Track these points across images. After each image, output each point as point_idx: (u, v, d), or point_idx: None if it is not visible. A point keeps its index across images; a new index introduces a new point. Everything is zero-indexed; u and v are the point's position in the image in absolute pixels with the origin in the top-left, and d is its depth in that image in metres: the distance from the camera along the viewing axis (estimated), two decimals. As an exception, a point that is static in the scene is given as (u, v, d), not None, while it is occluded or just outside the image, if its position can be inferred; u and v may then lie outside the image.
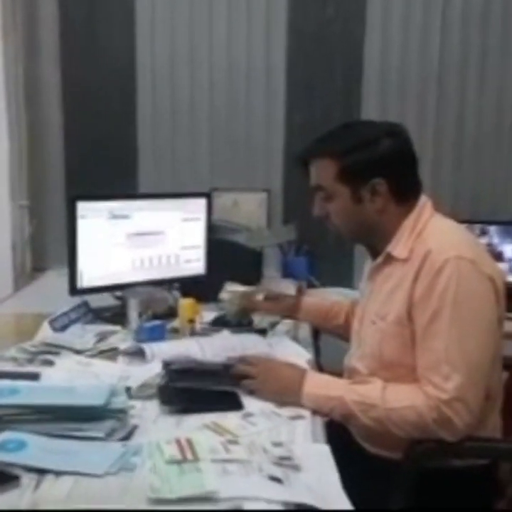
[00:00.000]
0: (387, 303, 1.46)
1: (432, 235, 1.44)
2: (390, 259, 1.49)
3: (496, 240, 2.64)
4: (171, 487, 1.05)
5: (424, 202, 1.51)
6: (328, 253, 2.91)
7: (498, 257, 2.60)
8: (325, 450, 1.26)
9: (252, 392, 1.48)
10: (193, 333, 1.93)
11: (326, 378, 1.49)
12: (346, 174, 1.46)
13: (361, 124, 1.62)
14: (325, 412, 1.42)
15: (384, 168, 1.45)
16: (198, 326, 1.96)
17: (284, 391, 1.46)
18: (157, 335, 1.83)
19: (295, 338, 1.91)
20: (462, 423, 1.31)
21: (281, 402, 1.44)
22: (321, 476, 1.16)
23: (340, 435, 1.48)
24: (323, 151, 1.50)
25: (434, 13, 2.81)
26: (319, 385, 1.46)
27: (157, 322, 1.86)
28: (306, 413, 1.42)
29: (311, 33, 2.86)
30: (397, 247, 1.47)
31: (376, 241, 1.53)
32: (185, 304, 1.95)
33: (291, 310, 1.92)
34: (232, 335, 1.86)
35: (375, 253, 1.55)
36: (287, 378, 1.48)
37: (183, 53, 2.88)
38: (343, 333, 1.80)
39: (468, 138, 2.89)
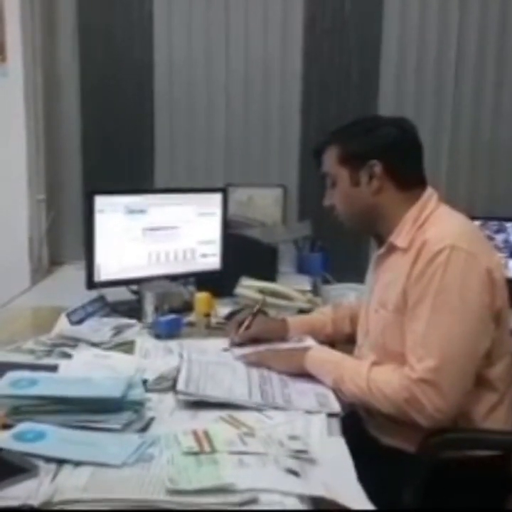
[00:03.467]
0: (387, 292, 1.50)
1: (432, 225, 1.46)
2: (393, 248, 1.52)
3: (513, 237, 2.61)
4: (188, 478, 1.06)
5: (430, 193, 1.53)
6: (343, 249, 2.90)
7: (516, 253, 2.58)
8: (341, 443, 1.27)
9: (259, 363, 1.60)
10: (208, 327, 1.94)
11: (330, 349, 1.64)
12: (345, 157, 1.54)
13: (367, 117, 1.73)
14: (321, 375, 1.52)
15: (381, 152, 1.51)
16: (213, 321, 1.97)
17: (289, 356, 1.61)
18: (173, 329, 1.84)
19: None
20: (432, 407, 1.33)
21: (287, 367, 1.56)
22: (337, 469, 1.17)
23: (355, 427, 1.49)
24: (329, 140, 1.59)
25: (452, 11, 2.79)
26: (322, 351, 1.61)
27: (173, 316, 1.87)
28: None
29: (327, 30, 2.86)
30: (400, 236, 1.49)
31: (380, 230, 1.56)
32: (201, 297, 1.96)
33: (280, 331, 1.84)
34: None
35: (381, 243, 1.59)
36: (295, 348, 1.67)
37: (200, 48, 2.88)
38: (336, 342, 1.84)
39: (485, 134, 2.87)
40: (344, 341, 1.84)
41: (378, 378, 1.42)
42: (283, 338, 1.81)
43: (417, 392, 1.34)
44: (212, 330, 1.93)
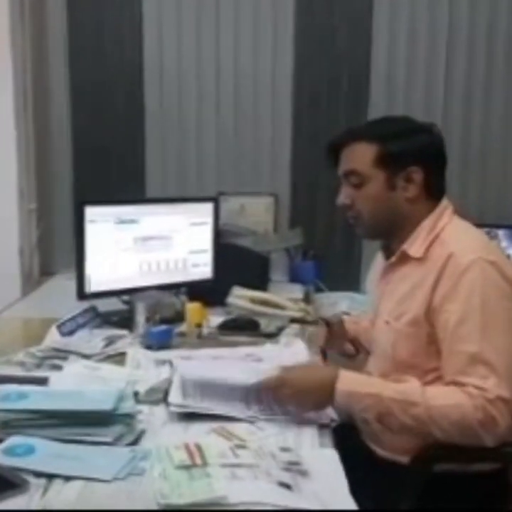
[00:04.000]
0: (403, 304, 1.45)
1: (453, 238, 1.43)
2: (405, 258, 1.48)
3: (504, 244, 2.63)
4: (180, 493, 1.05)
5: (446, 205, 1.50)
6: (336, 257, 2.91)
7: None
8: (333, 455, 1.26)
9: (289, 410, 1.40)
10: (200, 337, 1.93)
11: (359, 376, 1.44)
12: (385, 159, 1.46)
13: (402, 117, 1.59)
14: (358, 410, 1.36)
15: (422, 158, 1.46)
16: (205, 331, 1.97)
17: (317, 392, 1.38)
18: (164, 339, 1.83)
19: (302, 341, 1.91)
20: (505, 423, 1.28)
21: (317, 407, 1.39)
22: (329, 482, 1.16)
23: (350, 438, 1.47)
24: (361, 135, 1.49)
25: (441, 19, 2.80)
26: (353, 381, 1.38)
27: (164, 327, 1.86)
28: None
29: (317, 40, 2.86)
30: (413, 245, 1.46)
31: (393, 238, 1.52)
32: (193, 308, 1.95)
33: (346, 336, 1.85)
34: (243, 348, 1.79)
35: (389, 252, 1.55)
36: (319, 380, 1.40)
37: (190, 59, 2.88)
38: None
39: (475, 142, 2.88)
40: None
41: (440, 404, 1.30)
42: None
43: (493, 411, 1.27)
44: (204, 340, 1.92)
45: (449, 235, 1.44)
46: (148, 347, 1.80)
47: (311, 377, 1.42)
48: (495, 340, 1.31)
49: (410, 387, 1.36)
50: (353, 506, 1.09)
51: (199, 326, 1.94)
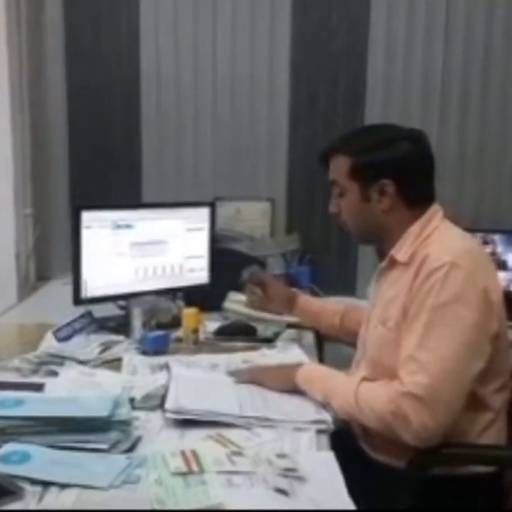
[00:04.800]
0: (389, 308, 1.48)
1: (435, 242, 1.45)
2: (394, 263, 1.50)
3: (499, 249, 2.63)
4: (176, 500, 1.05)
5: (435, 210, 1.51)
6: (332, 262, 2.91)
7: (502, 265, 2.59)
8: (330, 458, 1.26)
9: (251, 381, 1.59)
10: (196, 342, 1.93)
11: (322, 366, 1.66)
12: (357, 171, 1.50)
13: (383, 127, 1.63)
14: (313, 391, 1.50)
15: (395, 170, 1.47)
16: (201, 336, 1.96)
17: (282, 373, 1.59)
18: (161, 345, 1.82)
19: (299, 346, 1.91)
20: (419, 423, 1.29)
21: (279, 384, 1.55)
22: (327, 485, 1.16)
23: (346, 443, 1.47)
24: (340, 148, 1.55)
25: (438, 23, 2.80)
26: (314, 368, 1.62)
27: (160, 332, 1.86)
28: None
29: (314, 42, 2.86)
30: (401, 251, 1.48)
31: (383, 243, 1.54)
32: (189, 313, 1.95)
33: (286, 299, 1.96)
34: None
35: (381, 256, 1.57)
36: (286, 365, 1.65)
37: (187, 62, 2.88)
38: (338, 335, 1.90)
39: (471, 146, 2.88)
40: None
41: (366, 393, 1.40)
42: (285, 311, 1.96)
43: (404, 405, 1.30)
44: (201, 345, 1.92)
45: (433, 239, 1.46)
46: (144, 352, 1.80)
47: (278, 365, 1.68)
48: (433, 341, 1.33)
49: (353, 377, 1.49)
50: (352, 507, 1.09)
51: (195, 331, 1.94)
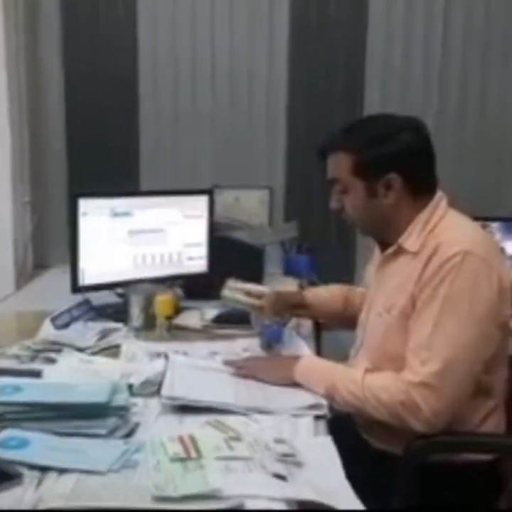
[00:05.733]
0: (394, 295, 1.47)
1: (445, 230, 1.44)
2: (400, 251, 1.49)
3: (497, 237, 2.62)
4: (175, 485, 1.05)
5: (440, 198, 1.50)
6: (330, 251, 2.90)
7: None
8: (328, 442, 1.27)
9: (248, 375, 1.55)
10: (170, 330, 1.91)
11: (320, 359, 1.62)
12: (361, 168, 1.47)
13: (380, 118, 1.59)
14: (313, 384, 1.47)
15: (399, 163, 1.45)
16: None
17: (279, 366, 1.56)
18: None
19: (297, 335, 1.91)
20: (430, 411, 1.31)
21: (277, 378, 1.52)
22: (324, 469, 1.17)
23: (345, 430, 1.48)
24: (340, 145, 1.51)
25: (437, 12, 2.79)
26: (312, 360, 1.59)
27: None
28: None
29: (312, 32, 2.85)
30: (409, 239, 1.47)
31: (388, 235, 1.53)
32: (162, 299, 1.91)
33: (298, 307, 1.90)
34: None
35: (385, 246, 1.56)
36: (284, 358, 1.64)
37: (185, 50, 2.87)
38: (340, 322, 1.89)
39: (470, 136, 2.88)
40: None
41: (373, 384, 1.39)
42: (299, 303, 1.88)
43: (416, 395, 1.32)
44: (174, 333, 1.90)
45: (442, 228, 1.45)
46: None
47: (276, 358, 1.67)
48: (447, 330, 1.33)
49: (357, 369, 1.48)
50: (349, 492, 1.10)
51: (169, 318, 1.92)
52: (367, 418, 1.46)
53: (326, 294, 1.94)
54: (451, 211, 1.50)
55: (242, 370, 1.58)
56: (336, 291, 1.94)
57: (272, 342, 1.75)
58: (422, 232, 1.45)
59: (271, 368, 1.57)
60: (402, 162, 1.46)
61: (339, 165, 1.51)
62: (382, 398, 1.37)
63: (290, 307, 1.88)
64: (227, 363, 1.63)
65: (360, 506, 1.07)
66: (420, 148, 1.49)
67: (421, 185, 1.49)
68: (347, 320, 1.82)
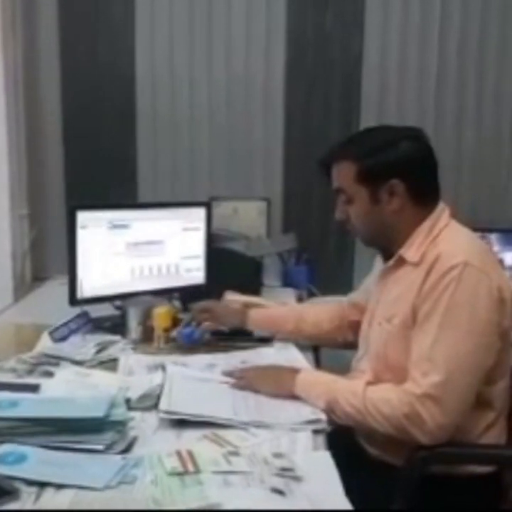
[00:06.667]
0: (395, 306, 1.47)
1: (445, 241, 1.45)
2: (401, 262, 1.50)
3: (496, 248, 2.63)
4: (173, 500, 1.05)
5: (442, 208, 1.52)
6: (328, 262, 2.91)
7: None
8: (326, 457, 1.26)
9: (246, 387, 1.54)
10: (168, 342, 1.90)
11: (320, 372, 1.61)
12: (364, 175, 1.49)
13: (381, 129, 1.63)
14: (313, 398, 1.47)
15: (401, 169, 1.47)
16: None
17: (279, 379, 1.54)
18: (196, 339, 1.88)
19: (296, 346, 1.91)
20: (433, 423, 1.31)
21: (277, 391, 1.51)
22: (323, 485, 1.16)
23: (345, 440, 1.48)
24: (342, 154, 1.53)
25: (433, 24, 2.81)
26: (312, 374, 1.58)
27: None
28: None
29: (309, 44, 2.86)
30: (410, 250, 1.48)
31: (391, 244, 1.53)
32: (160, 312, 1.91)
33: (236, 318, 1.93)
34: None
35: (387, 255, 1.57)
36: (283, 370, 1.60)
37: (182, 62, 2.88)
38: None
39: (467, 145, 2.88)
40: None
41: (375, 397, 1.39)
42: (239, 325, 1.90)
43: (419, 407, 1.32)
44: (172, 345, 1.89)
45: (443, 239, 1.46)
46: (179, 347, 1.88)
47: (276, 367, 1.64)
48: (447, 341, 1.34)
49: (357, 381, 1.47)
50: (348, 506, 1.09)
51: (167, 330, 1.92)
52: (367, 429, 1.46)
53: (272, 312, 1.99)
54: (453, 222, 1.51)
55: (242, 381, 1.58)
56: (289, 311, 1.97)
57: (189, 342, 1.84)
58: (424, 242, 1.46)
59: (271, 381, 1.55)
60: (405, 169, 1.47)
61: (343, 174, 1.53)
62: (385, 411, 1.36)
63: (231, 315, 1.94)
64: (227, 373, 1.63)
65: None
66: (421, 155, 1.51)
67: (424, 193, 1.50)
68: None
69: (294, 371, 1.56)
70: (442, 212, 1.51)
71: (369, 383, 1.44)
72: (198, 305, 1.95)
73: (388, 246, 1.55)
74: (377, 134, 1.57)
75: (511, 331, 1.43)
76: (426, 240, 1.46)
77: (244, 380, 1.57)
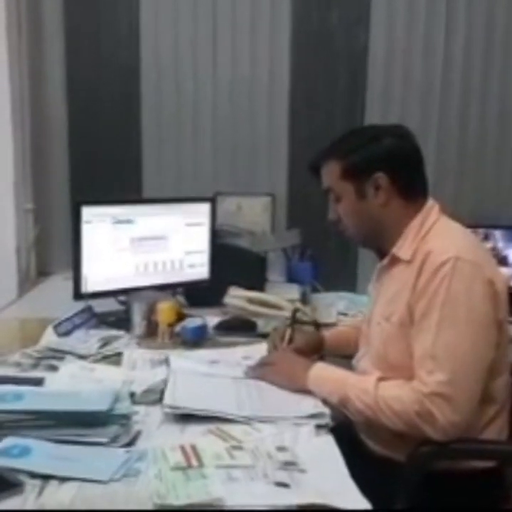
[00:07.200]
0: (391, 304, 1.48)
1: (435, 237, 1.45)
2: (395, 260, 1.51)
3: (500, 244, 2.63)
4: (176, 494, 1.05)
5: (431, 205, 1.52)
6: (332, 258, 2.90)
7: (503, 261, 2.59)
8: (329, 441, 1.28)
9: (260, 378, 1.57)
10: (172, 337, 1.91)
11: (333, 367, 1.57)
12: (349, 172, 1.51)
13: (366, 128, 1.69)
14: (325, 394, 1.48)
15: (385, 163, 1.49)
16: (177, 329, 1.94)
17: (292, 374, 1.55)
18: (200, 335, 1.89)
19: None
20: (445, 419, 1.32)
21: (290, 385, 1.52)
22: (327, 469, 1.17)
23: (347, 436, 1.48)
24: (328, 155, 1.56)
25: (438, 21, 2.80)
26: (325, 369, 1.56)
27: (198, 322, 1.92)
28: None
29: (314, 41, 2.86)
30: (402, 248, 1.48)
31: (384, 242, 1.54)
32: (164, 307, 1.92)
33: (318, 346, 1.85)
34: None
35: (382, 254, 1.57)
36: (297, 364, 1.58)
37: (187, 57, 2.88)
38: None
39: (471, 143, 2.88)
40: None
41: (387, 394, 1.39)
42: (319, 352, 1.83)
43: (430, 405, 1.32)
44: (176, 340, 1.89)
45: (433, 235, 1.46)
46: (184, 342, 1.87)
47: (290, 360, 1.63)
48: (448, 337, 1.34)
49: (369, 377, 1.46)
50: (354, 490, 1.10)
51: (171, 325, 1.92)
52: (368, 423, 1.47)
53: (341, 330, 1.93)
54: (443, 217, 1.52)
55: (255, 372, 1.60)
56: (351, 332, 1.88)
57: (194, 338, 1.84)
58: (415, 239, 1.47)
59: (283, 375, 1.56)
60: (388, 162, 1.49)
61: (329, 173, 1.56)
62: (397, 409, 1.36)
63: (311, 347, 1.83)
64: (248, 369, 1.63)
65: (366, 504, 1.07)
66: (405, 150, 1.52)
67: (410, 187, 1.51)
68: None
69: (307, 366, 1.55)
70: (432, 208, 1.51)
71: (380, 379, 1.44)
72: (285, 348, 1.79)
73: (382, 245, 1.56)
74: (361, 133, 1.61)
75: (507, 325, 1.43)
76: (417, 236, 1.47)
77: (259, 371, 1.60)
